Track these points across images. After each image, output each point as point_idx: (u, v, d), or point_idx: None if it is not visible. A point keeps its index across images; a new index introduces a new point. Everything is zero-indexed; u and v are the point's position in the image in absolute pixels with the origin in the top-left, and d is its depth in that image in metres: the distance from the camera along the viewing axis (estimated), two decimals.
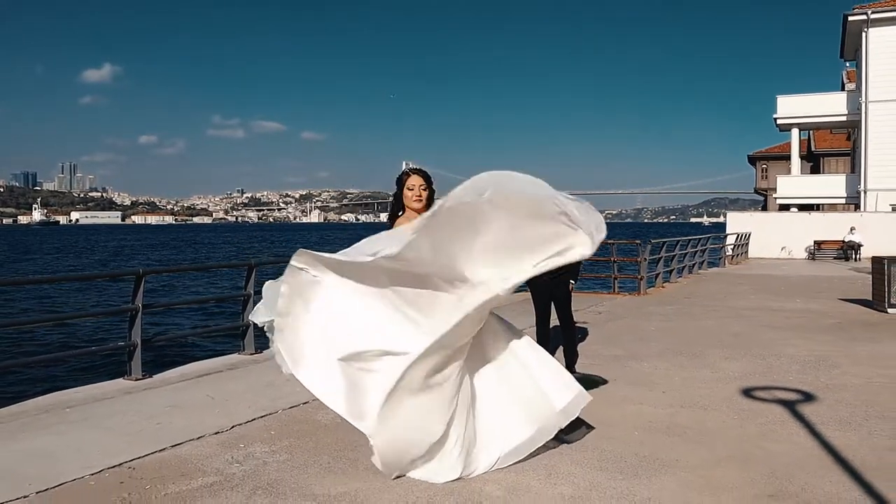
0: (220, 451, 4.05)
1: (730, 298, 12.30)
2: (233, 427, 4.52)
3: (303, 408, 4.99)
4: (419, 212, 3.78)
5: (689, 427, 4.50)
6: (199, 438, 4.28)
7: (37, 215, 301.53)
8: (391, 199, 4.09)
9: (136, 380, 5.96)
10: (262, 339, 7.31)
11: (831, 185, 30.83)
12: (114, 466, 3.79)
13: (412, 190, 3.86)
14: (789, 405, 5.01)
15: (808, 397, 5.23)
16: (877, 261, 10.63)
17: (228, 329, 8.79)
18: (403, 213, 3.93)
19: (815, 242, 24.76)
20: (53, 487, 3.50)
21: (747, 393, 5.39)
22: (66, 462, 3.86)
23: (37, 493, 3.43)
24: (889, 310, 10.04)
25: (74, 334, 14.67)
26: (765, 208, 40.62)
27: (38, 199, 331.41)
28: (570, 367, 6.16)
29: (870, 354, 7.00)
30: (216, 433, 4.39)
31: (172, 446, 4.13)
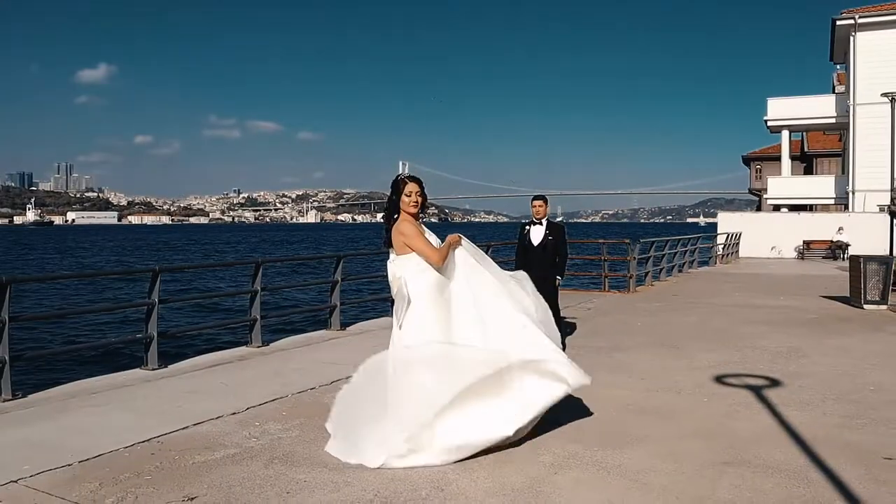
0: (238, 429, 4.51)
1: (715, 296, 12.78)
2: (248, 408, 4.97)
3: (310, 392, 5.46)
4: (414, 216, 4.18)
5: (660, 408, 4.98)
6: (218, 418, 4.74)
7: (31, 215, 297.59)
8: (386, 203, 4.31)
9: (153, 370, 6.39)
10: (267, 334, 7.79)
11: (821, 185, 31.41)
12: (144, 441, 4.24)
13: (409, 196, 4.15)
14: (756, 390, 5.49)
15: (774, 383, 5.71)
16: (854, 259, 11.14)
17: (238, 322, 9.20)
18: (399, 216, 4.20)
19: (804, 242, 25.29)
20: (93, 458, 3.95)
21: (719, 379, 5.87)
22: (101, 437, 4.31)
23: (79, 462, 3.88)
24: (865, 305, 10.53)
25: (78, 330, 15.09)
26: (759, 208, 41.16)
27: (32, 199, 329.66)
28: None
29: (838, 346, 7.49)
30: (233, 413, 4.85)
31: (194, 424, 4.58)
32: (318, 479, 3.62)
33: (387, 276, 4.26)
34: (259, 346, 7.49)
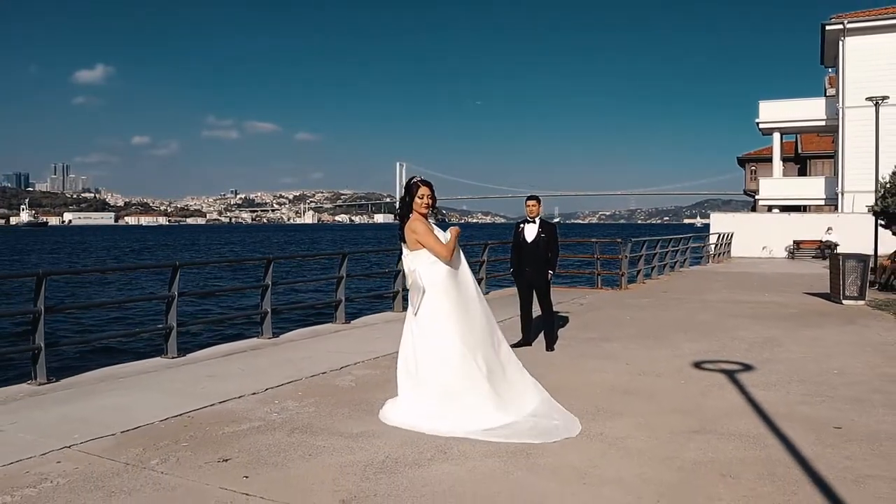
0: (259, 406, 5.00)
1: (704, 293, 13.30)
2: (266, 389, 5.47)
3: (322, 376, 5.96)
4: (424, 216, 4.71)
5: (642, 389, 5.48)
6: (240, 397, 5.23)
7: (24, 216, 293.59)
8: (399, 203, 4.89)
9: (172, 358, 6.88)
10: (275, 327, 8.27)
11: (811, 187, 32.01)
12: (176, 416, 4.73)
13: (422, 199, 4.68)
14: (729, 373, 6.00)
15: (747, 368, 6.23)
16: (833, 257, 11.68)
17: (250, 314, 9.69)
18: (412, 215, 4.72)
19: (794, 242, 25.88)
20: (133, 429, 4.44)
21: (697, 365, 6.38)
22: (136, 412, 4.80)
23: (121, 432, 4.37)
24: (843, 301, 11.07)
25: (84, 325, 15.59)
26: (754, 209, 41.69)
27: (26, 200, 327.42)
28: (549, 347, 7.16)
29: (812, 337, 8.01)
30: (253, 393, 5.34)
31: (220, 402, 5.08)
32: (336, 444, 4.12)
33: (403, 269, 4.85)
34: (270, 338, 7.97)
